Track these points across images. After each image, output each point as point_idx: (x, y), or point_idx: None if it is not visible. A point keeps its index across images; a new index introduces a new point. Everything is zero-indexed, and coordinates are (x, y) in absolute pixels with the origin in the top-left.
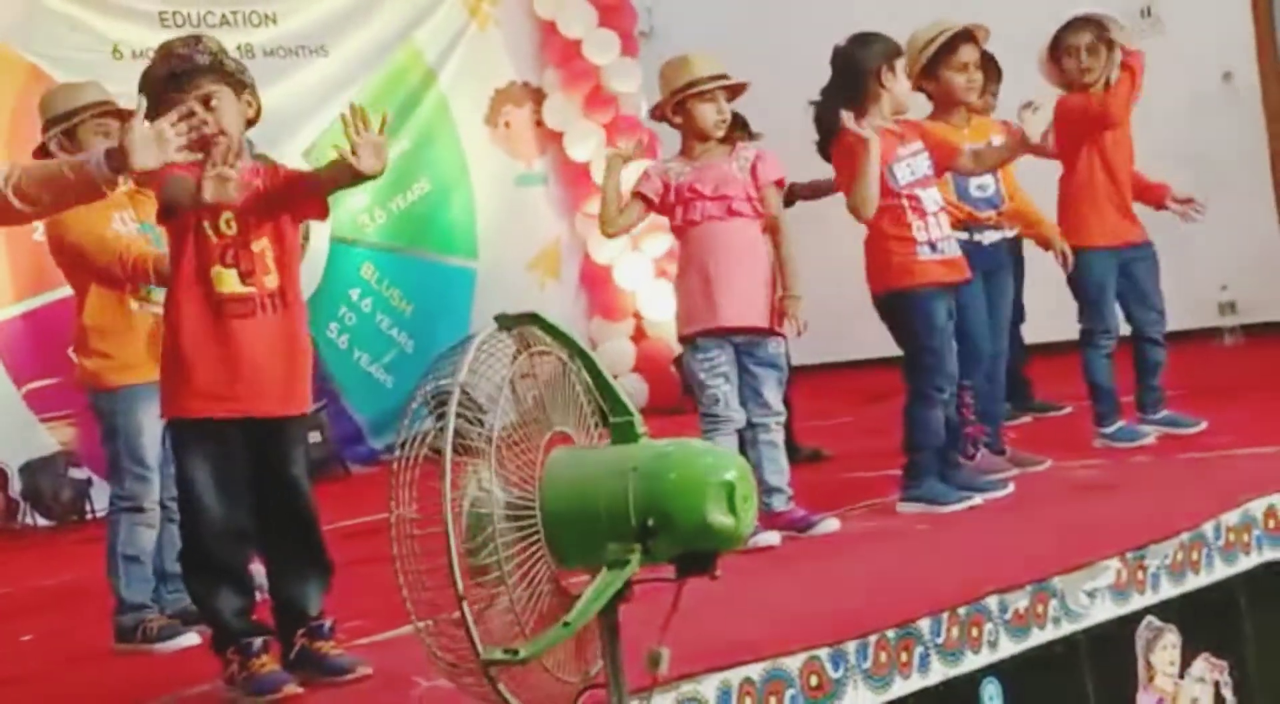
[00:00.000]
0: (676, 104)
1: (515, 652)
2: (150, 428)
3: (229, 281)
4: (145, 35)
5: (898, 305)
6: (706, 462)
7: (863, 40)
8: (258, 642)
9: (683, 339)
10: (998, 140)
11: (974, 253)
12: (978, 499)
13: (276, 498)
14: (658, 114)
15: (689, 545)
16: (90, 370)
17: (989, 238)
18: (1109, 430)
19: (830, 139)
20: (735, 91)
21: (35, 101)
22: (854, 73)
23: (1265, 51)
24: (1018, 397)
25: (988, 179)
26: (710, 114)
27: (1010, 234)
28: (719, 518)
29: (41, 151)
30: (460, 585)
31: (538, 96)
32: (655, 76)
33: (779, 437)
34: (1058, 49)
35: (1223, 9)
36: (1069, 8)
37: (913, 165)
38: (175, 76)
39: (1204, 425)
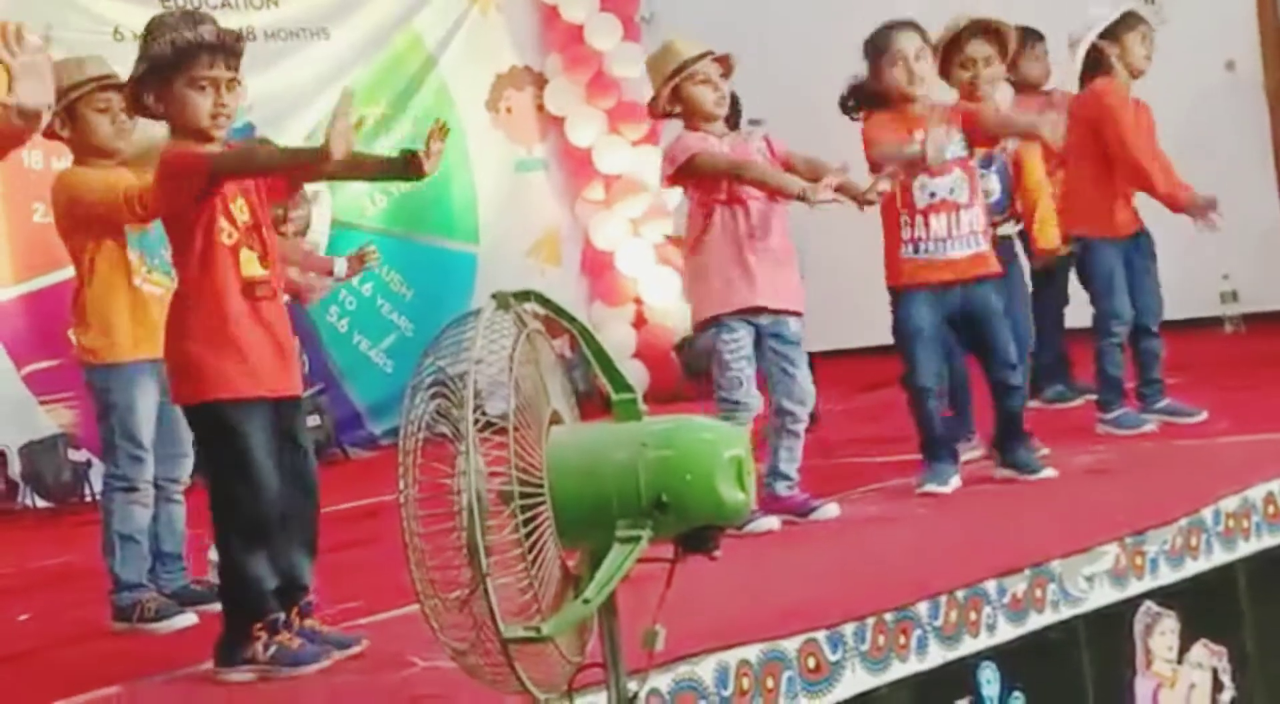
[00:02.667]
0: (672, 93)
1: (538, 629)
2: (144, 406)
3: (254, 265)
4: (146, 17)
5: (892, 299)
6: (714, 437)
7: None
8: (282, 618)
9: (705, 322)
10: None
11: None
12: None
13: (292, 470)
14: (657, 109)
15: (697, 521)
16: (87, 346)
17: None
18: (1111, 416)
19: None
20: (727, 69)
21: None
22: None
23: (1268, 39)
24: (1060, 378)
25: (994, 183)
26: (708, 94)
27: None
28: (731, 493)
29: (46, 129)
30: (485, 563)
31: (539, 81)
32: None
33: (803, 427)
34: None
35: None
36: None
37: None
38: (217, 50)
39: (1204, 415)
